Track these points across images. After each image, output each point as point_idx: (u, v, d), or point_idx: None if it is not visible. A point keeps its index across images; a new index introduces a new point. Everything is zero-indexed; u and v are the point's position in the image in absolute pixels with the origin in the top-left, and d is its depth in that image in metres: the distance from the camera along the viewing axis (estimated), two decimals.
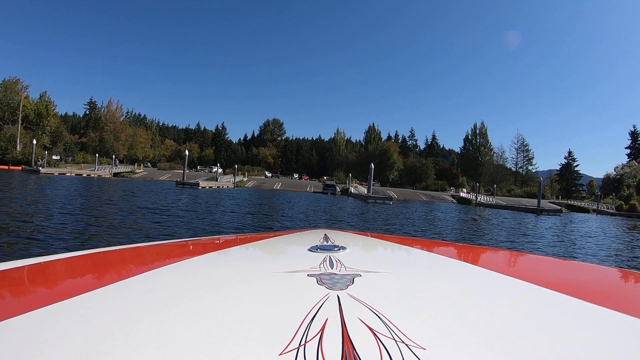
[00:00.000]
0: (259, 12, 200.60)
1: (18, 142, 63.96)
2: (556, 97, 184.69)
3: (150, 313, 0.57)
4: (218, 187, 42.48)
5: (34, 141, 57.52)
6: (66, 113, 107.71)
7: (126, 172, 60.80)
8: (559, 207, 47.06)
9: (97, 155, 64.01)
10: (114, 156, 63.02)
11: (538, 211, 40.14)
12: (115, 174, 56.70)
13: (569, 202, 65.30)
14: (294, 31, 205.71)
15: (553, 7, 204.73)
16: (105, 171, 56.32)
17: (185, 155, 41.21)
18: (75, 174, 48.51)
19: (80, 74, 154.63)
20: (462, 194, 64.62)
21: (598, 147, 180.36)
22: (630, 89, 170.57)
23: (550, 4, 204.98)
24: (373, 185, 51.78)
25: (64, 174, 47.29)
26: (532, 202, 55.81)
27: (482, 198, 57.45)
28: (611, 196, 64.82)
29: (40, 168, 46.57)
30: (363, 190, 54.42)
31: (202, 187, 37.14)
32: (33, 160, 54.35)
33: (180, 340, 0.46)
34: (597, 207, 56.98)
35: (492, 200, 56.23)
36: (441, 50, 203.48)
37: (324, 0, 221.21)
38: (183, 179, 38.93)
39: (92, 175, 50.47)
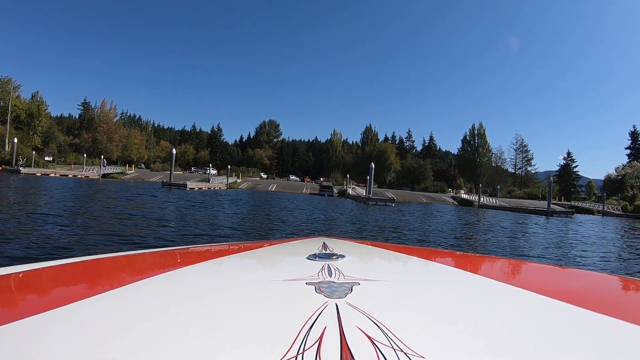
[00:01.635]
0: (255, 15, 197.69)
1: (6, 142, 61.25)
2: (553, 99, 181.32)
3: (147, 321, 0.56)
4: (209, 188, 39.60)
5: (15, 140, 54.89)
6: (62, 114, 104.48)
7: (116, 173, 57.97)
8: (571, 209, 44.02)
9: (84, 155, 61.82)
10: (102, 156, 60.10)
11: (548, 213, 37.20)
12: (104, 175, 53.77)
13: (572, 203, 62.32)
14: (291, 33, 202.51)
15: (551, 8, 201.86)
16: (93, 172, 53.46)
17: (173, 154, 37.97)
18: (60, 175, 45.68)
19: (76, 76, 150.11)
20: (463, 196, 61.90)
21: (594, 149, 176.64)
22: (629, 90, 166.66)
23: (549, 5, 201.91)
24: (367, 187, 49.18)
25: (48, 174, 44.41)
26: (534, 204, 53.62)
27: (485, 200, 54.58)
28: (615, 197, 62.25)
29: (20, 168, 43.73)
30: (361, 191, 52.05)
31: (191, 189, 34.20)
32: (14, 160, 51.29)
33: (178, 348, 0.46)
34: (603, 208, 54.26)
35: (495, 202, 53.34)
36: (438, 52, 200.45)
37: (320, 2, 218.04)
38: (170, 179, 35.95)
39: (79, 176, 47.61)
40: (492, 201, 54.44)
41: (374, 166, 36.23)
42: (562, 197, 73.82)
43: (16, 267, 0.92)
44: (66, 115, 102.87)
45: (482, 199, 52.94)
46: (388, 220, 16.79)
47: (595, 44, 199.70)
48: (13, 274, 0.87)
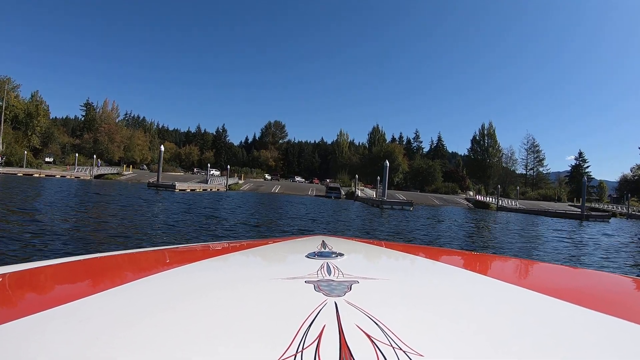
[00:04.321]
0: (259, 15, 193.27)
1: (0, 141, 57.01)
2: (558, 99, 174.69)
3: (147, 318, 0.56)
4: (204, 190, 34.82)
5: None
6: (67, 116, 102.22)
7: (111, 173, 53.66)
8: (607, 213, 38.81)
9: (76, 155, 58.56)
10: (94, 156, 55.75)
11: (583, 217, 32.06)
12: (98, 176, 49.40)
13: (592, 205, 56.92)
14: (296, 34, 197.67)
15: (560, 3, 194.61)
16: (84, 173, 49.07)
17: (161, 151, 32.95)
18: (46, 175, 41.12)
19: (82, 77, 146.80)
20: (478, 197, 56.88)
21: (600, 149, 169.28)
22: (635, 89, 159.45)
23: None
24: (379, 189, 44.27)
25: (31, 174, 39.91)
26: (552, 206, 50.16)
27: (504, 202, 49.44)
28: (634, 198, 57.46)
29: None
30: (371, 193, 47.37)
31: (181, 190, 29.35)
32: None
33: (178, 346, 0.46)
34: (628, 210, 49.03)
35: (515, 204, 48.12)
36: (444, 51, 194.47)
37: (324, 2, 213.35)
38: (158, 180, 31.09)
39: (67, 177, 43.17)
40: (511, 203, 49.25)
41: (388, 164, 30.83)
42: (580, 199, 68.67)
43: (16, 265, 0.90)
44: (72, 117, 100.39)
45: (500, 201, 47.73)
46: (427, 234, 11.78)
47: (598, 45, 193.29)
48: (13, 272, 0.86)
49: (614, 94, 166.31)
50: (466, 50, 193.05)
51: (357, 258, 1.15)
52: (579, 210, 43.11)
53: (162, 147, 33.61)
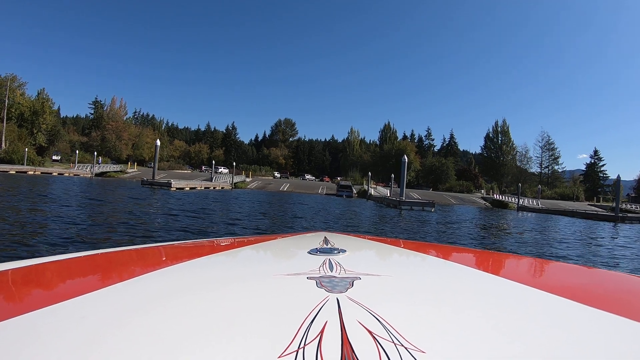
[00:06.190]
0: (270, 13, 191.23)
1: (3, 139, 54.63)
2: (569, 97, 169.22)
3: (148, 315, 0.55)
4: (206, 188, 31.63)
5: None
6: (77, 115, 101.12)
7: (113, 171, 51.23)
8: None
9: (77, 152, 56.24)
10: (95, 153, 53.22)
11: (618, 218, 28.50)
12: (100, 174, 46.95)
13: (609, 204, 52.78)
14: (306, 32, 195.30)
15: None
16: (85, 170, 46.34)
17: (157, 146, 29.72)
18: (42, 173, 38.44)
19: (94, 76, 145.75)
20: (496, 196, 53.17)
21: (611, 148, 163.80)
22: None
23: None
24: (393, 187, 40.86)
25: (25, 172, 37.11)
26: (572, 205, 46.59)
27: (526, 201, 45.70)
28: None
29: None
30: (384, 191, 44.03)
31: (178, 189, 26.19)
32: None
33: (179, 342, 0.45)
34: None
35: (536, 204, 44.38)
36: (455, 48, 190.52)
37: (333, 0, 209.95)
38: (153, 177, 28.10)
39: (66, 175, 40.42)
40: (531, 203, 45.51)
41: (406, 160, 27.23)
42: (600, 198, 64.64)
43: (20, 261, 0.88)
44: (82, 115, 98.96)
45: (520, 200, 43.97)
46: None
47: (607, 45, 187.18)
48: (17, 268, 0.84)
49: (625, 92, 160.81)
50: (475, 49, 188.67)
51: (360, 254, 1.12)
52: (603, 210, 39.67)
53: (158, 142, 30.43)
